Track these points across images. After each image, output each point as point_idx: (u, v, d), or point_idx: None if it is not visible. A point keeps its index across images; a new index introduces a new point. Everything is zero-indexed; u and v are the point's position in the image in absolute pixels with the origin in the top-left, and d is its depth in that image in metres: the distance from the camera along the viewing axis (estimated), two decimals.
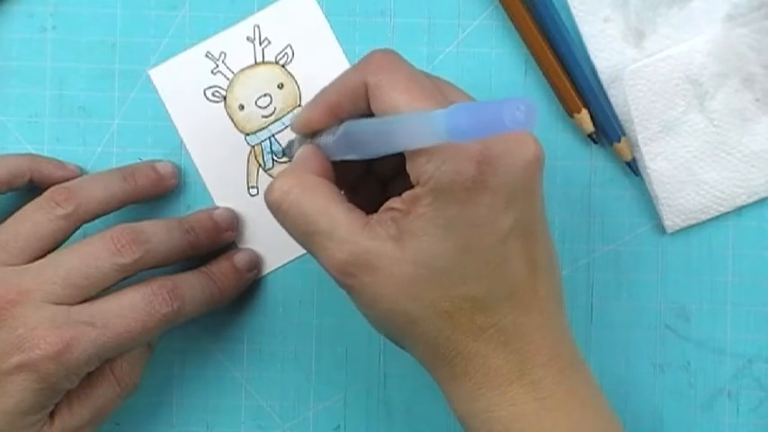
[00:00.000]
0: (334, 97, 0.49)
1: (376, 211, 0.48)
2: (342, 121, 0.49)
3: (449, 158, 0.45)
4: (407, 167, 0.46)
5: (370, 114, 0.48)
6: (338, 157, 0.49)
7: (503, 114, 0.39)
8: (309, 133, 0.51)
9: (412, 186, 0.46)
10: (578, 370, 0.48)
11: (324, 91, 0.50)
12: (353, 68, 0.49)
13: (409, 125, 0.44)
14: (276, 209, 0.48)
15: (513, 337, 0.47)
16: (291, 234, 0.48)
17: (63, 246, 0.53)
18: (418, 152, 0.45)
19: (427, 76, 0.48)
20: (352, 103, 0.48)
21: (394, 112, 0.46)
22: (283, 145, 0.57)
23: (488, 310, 0.46)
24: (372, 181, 0.53)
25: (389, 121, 0.45)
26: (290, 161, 0.55)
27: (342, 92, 0.49)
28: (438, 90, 0.47)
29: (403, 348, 0.49)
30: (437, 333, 0.47)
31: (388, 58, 0.48)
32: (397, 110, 0.46)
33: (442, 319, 0.46)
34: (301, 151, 0.50)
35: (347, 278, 0.47)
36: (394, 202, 0.47)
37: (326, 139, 0.49)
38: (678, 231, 0.57)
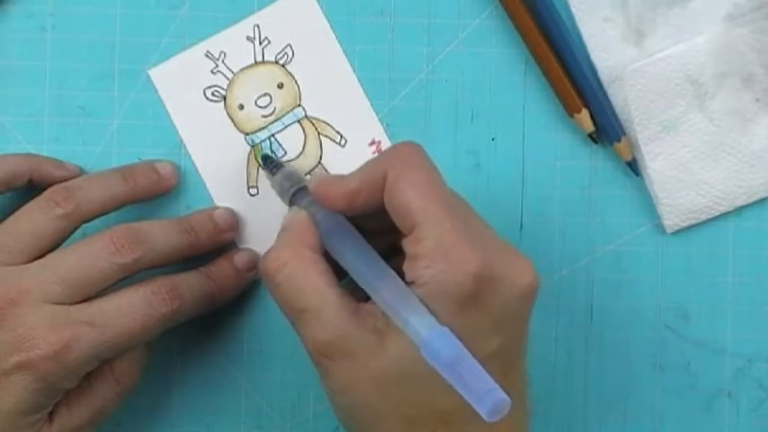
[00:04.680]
0: (355, 185, 0.49)
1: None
2: (355, 208, 0.49)
3: (449, 269, 0.45)
4: (405, 266, 0.47)
5: (382, 206, 0.48)
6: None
7: (484, 400, 0.42)
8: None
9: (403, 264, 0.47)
10: None
11: (349, 176, 0.50)
12: (378, 159, 0.49)
13: (395, 304, 0.45)
14: (269, 278, 0.49)
15: None
16: (278, 304, 0.49)
17: (63, 246, 0.53)
18: (419, 255, 0.46)
19: (444, 183, 0.48)
20: (369, 193, 0.49)
21: (407, 211, 0.47)
22: (265, 151, 0.57)
23: (452, 426, 0.47)
24: None
25: (377, 287, 0.47)
26: (268, 174, 0.56)
27: (363, 182, 0.49)
28: (455, 201, 0.48)
29: None
30: None
31: (414, 153, 0.48)
32: (410, 211, 0.46)
33: (404, 425, 0.47)
34: (297, 221, 0.50)
35: (324, 359, 0.47)
36: None
37: (320, 218, 0.50)
38: (678, 231, 0.57)
